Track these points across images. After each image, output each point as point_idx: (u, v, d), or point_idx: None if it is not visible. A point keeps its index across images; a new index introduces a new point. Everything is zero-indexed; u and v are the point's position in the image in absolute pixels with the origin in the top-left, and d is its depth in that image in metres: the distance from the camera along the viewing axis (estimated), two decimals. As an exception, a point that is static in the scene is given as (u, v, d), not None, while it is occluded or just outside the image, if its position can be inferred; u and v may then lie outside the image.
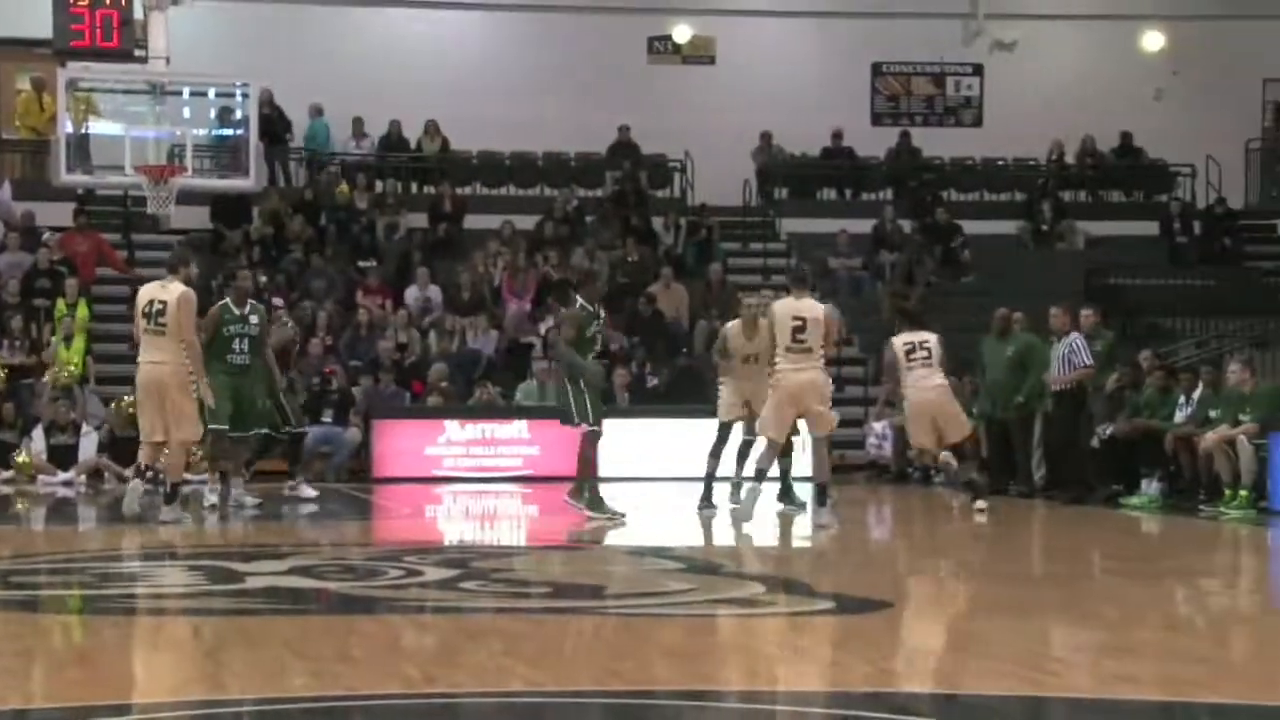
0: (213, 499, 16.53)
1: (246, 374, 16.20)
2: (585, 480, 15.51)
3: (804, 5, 29.67)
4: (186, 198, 22.97)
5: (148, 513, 14.69)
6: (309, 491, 17.85)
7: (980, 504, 15.55)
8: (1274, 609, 11.16)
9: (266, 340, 16.81)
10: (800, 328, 14.33)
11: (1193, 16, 29.51)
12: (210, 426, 15.65)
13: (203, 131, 22.26)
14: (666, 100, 28.94)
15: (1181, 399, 18.00)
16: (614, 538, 14.44)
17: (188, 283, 14.99)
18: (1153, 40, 30.02)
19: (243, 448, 16.77)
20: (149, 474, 15.32)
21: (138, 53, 21.62)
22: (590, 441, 15.43)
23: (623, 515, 15.33)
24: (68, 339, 22.58)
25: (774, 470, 15.27)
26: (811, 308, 14.61)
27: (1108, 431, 18.39)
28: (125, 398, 19.65)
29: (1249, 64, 29.32)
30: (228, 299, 16.54)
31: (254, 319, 16.33)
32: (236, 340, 16.03)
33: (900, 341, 15.71)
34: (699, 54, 30.11)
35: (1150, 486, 17.96)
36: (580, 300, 15.68)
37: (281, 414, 17.43)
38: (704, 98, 29.18)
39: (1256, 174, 30.03)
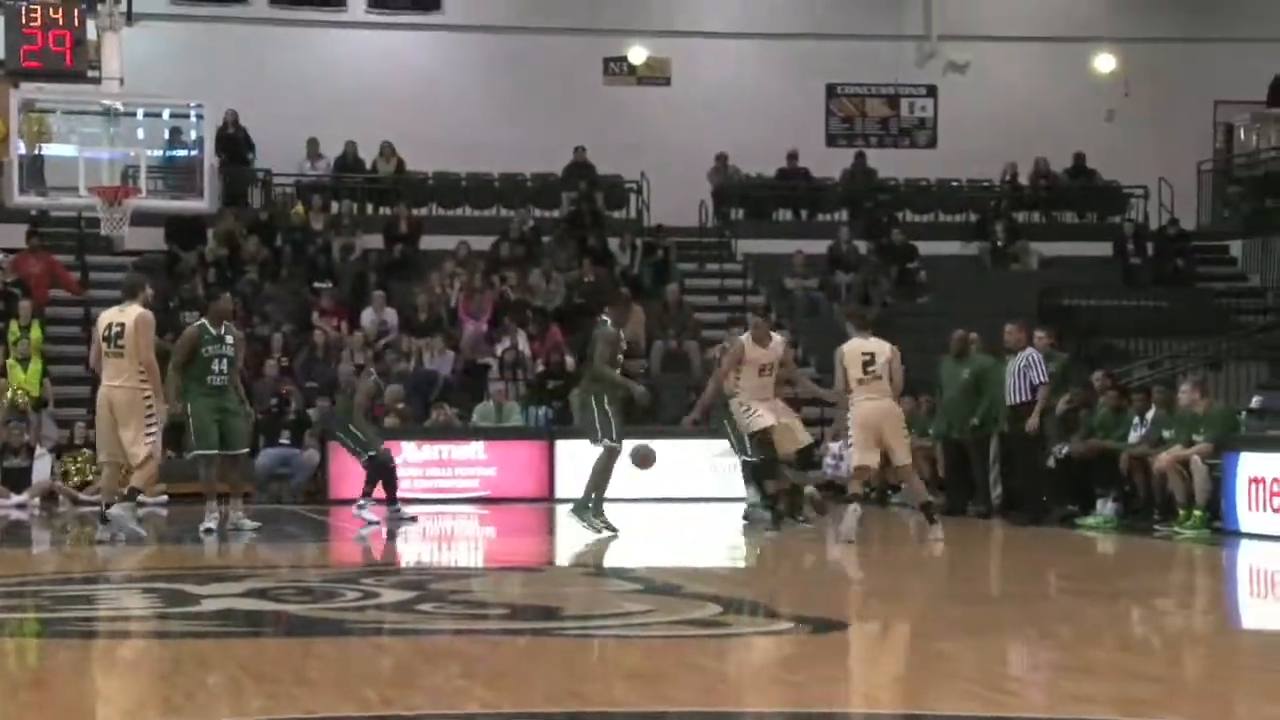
0: (210, 523, 16.26)
1: (225, 394, 16.14)
2: (593, 493, 16.06)
3: (758, 27, 29.80)
4: (141, 219, 22.83)
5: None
6: (248, 524, 16.80)
7: (937, 533, 15.48)
8: (1228, 629, 11.19)
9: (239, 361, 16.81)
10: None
11: (1144, 39, 29.78)
12: (198, 451, 15.99)
13: (157, 153, 22.15)
14: (622, 121, 28.99)
15: (1135, 419, 18.07)
16: (569, 558, 14.42)
17: (146, 305, 14.98)
18: (1105, 62, 30.22)
19: (232, 468, 16.62)
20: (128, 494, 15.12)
21: (91, 73, 21.47)
22: (610, 458, 16.03)
23: (615, 532, 15.78)
24: (24, 361, 22.46)
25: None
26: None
27: (1063, 451, 18.45)
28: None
29: (1200, 86, 29.52)
30: (204, 319, 16.48)
31: (229, 339, 16.28)
32: (215, 361, 15.97)
33: (853, 349, 15.60)
34: (654, 75, 30.17)
35: (1105, 507, 18.02)
36: (609, 319, 16.23)
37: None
38: (660, 119, 29.24)
39: (1209, 195, 30.21)
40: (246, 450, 17.05)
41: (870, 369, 15.14)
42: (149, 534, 15.44)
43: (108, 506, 15.05)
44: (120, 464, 14.97)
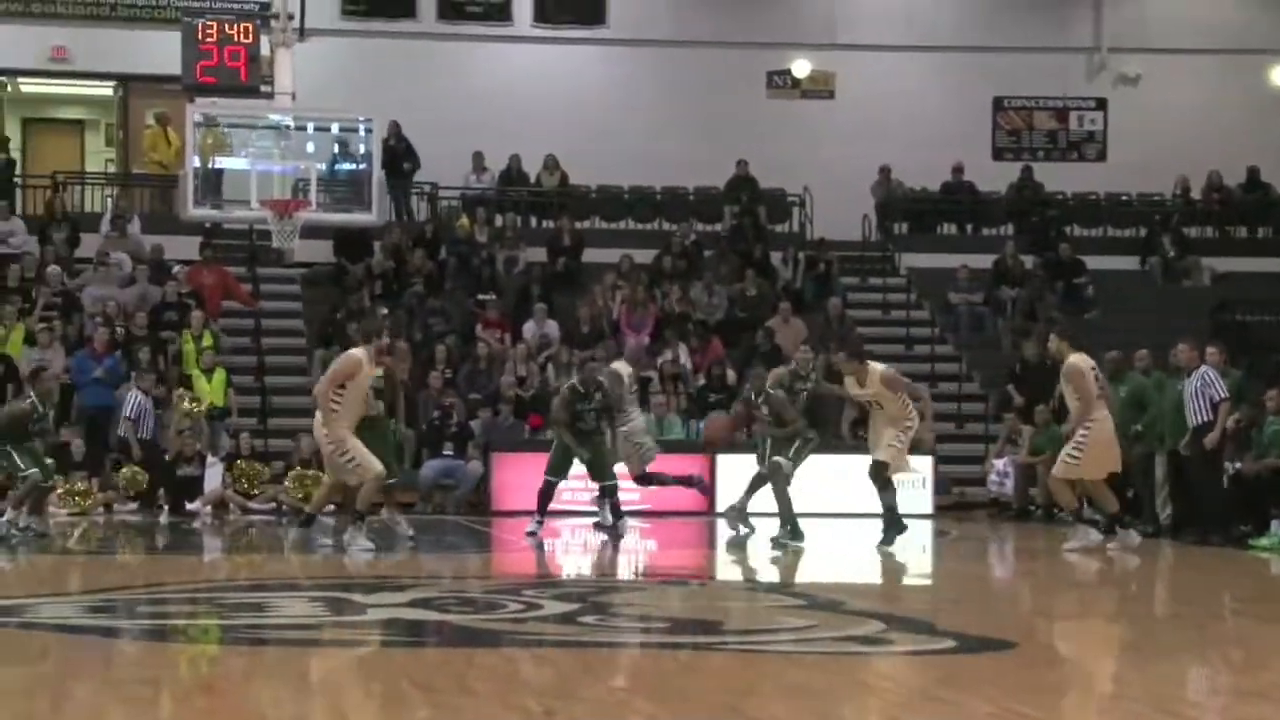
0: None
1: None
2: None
3: (924, 40, 29.64)
4: (310, 232, 23.22)
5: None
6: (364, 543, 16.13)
7: (1128, 539, 15.89)
8: None
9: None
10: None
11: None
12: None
13: (326, 166, 22.48)
14: (785, 134, 28.96)
15: (1312, 439, 17.70)
16: (732, 573, 14.37)
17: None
18: (1280, 74, 29.72)
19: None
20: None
21: (264, 89, 21.88)
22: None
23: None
24: (208, 372, 22.83)
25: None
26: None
27: (1235, 470, 18.11)
28: None
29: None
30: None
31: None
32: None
33: (1087, 364, 15.67)
34: (818, 89, 30.13)
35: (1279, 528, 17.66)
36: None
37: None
38: (823, 132, 29.21)
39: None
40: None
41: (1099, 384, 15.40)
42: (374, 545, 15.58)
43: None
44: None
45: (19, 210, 27.33)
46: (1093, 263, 28.02)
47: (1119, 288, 27.73)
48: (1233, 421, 18.37)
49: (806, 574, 14.66)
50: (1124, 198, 29.72)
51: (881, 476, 16.03)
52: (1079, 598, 13.62)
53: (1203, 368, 17.91)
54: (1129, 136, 29.89)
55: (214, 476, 21.69)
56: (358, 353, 15.29)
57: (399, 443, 17.86)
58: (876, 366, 16.62)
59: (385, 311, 23.07)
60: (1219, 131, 29.15)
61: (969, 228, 29.59)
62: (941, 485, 22.74)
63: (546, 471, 18.44)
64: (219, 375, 23.06)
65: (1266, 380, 20.62)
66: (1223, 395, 17.64)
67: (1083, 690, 8.33)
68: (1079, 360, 15.45)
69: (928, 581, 15.00)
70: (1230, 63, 29.81)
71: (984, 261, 27.86)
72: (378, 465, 15.11)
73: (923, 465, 20.30)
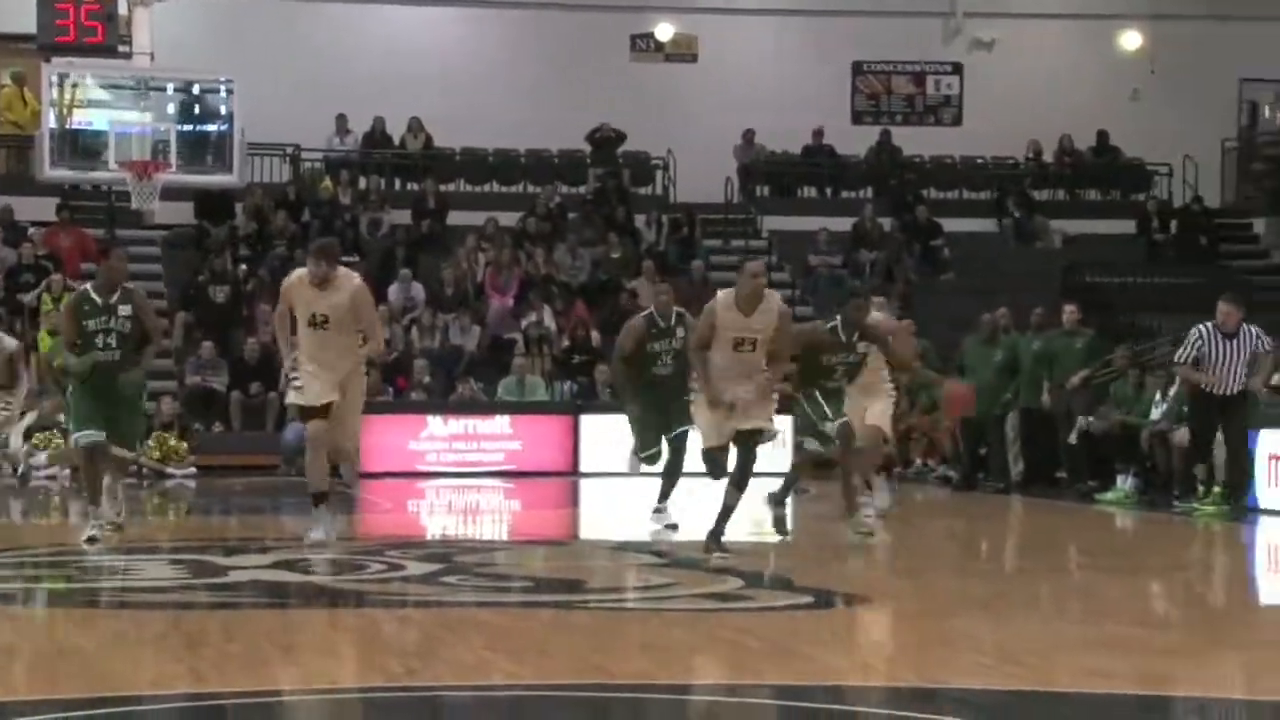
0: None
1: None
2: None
3: (786, 4, 29.77)
4: (170, 193, 22.95)
5: None
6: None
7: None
8: (1246, 604, 11.18)
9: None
10: None
11: (1171, 16, 29.64)
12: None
13: (187, 127, 22.21)
14: (649, 98, 28.95)
15: (1157, 396, 18.05)
16: (595, 533, 14.44)
17: None
18: (1130, 40, 30.11)
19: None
20: None
21: (122, 48, 21.58)
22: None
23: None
24: (54, 333, 22.50)
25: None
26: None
27: (1087, 426, 18.45)
28: None
29: (1226, 63, 29.40)
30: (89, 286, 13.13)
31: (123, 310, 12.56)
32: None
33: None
34: (681, 52, 30.12)
35: (1125, 482, 18.00)
36: None
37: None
38: (686, 96, 29.23)
39: (1233, 173, 30.14)
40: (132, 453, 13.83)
41: None
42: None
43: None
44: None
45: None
46: (949, 225, 28.31)
47: (974, 250, 28.03)
48: (1079, 379, 18.77)
49: (668, 533, 14.71)
50: (979, 161, 30.01)
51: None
52: (931, 553, 13.82)
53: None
54: (984, 101, 30.16)
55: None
56: None
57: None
58: None
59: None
60: (1070, 96, 29.51)
61: (829, 191, 29.76)
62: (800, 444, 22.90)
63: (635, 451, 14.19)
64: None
65: (1115, 339, 21.02)
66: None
67: (933, 643, 8.46)
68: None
69: (787, 540, 15.12)
70: (1082, 28, 30.17)
71: (844, 224, 28.06)
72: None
73: (783, 423, 20.46)
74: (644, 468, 14.17)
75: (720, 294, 11.76)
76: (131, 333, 12.42)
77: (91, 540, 12.22)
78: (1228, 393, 15.75)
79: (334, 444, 12.45)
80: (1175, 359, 16.69)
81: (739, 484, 11.42)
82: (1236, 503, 16.07)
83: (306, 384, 11.96)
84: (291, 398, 12.51)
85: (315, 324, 11.84)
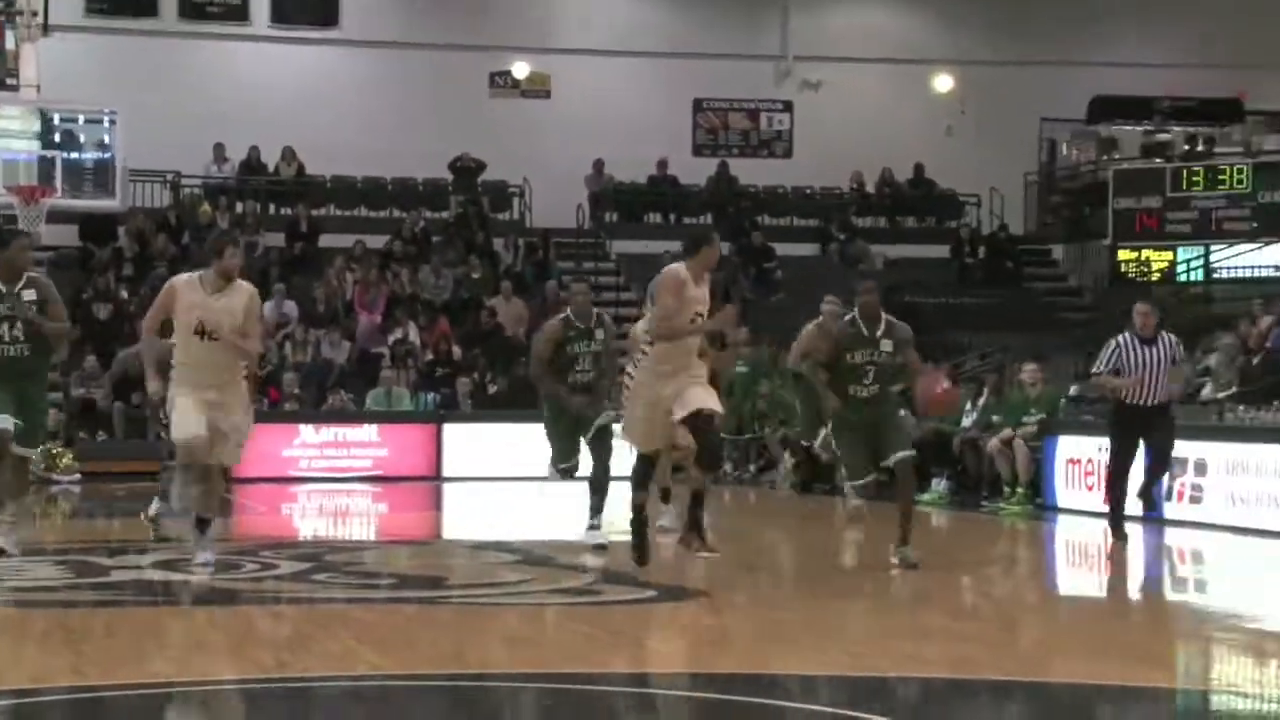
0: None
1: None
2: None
3: (631, 45, 29.83)
4: (56, 217, 22.56)
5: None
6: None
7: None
8: (1045, 595, 11.37)
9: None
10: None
11: (979, 62, 30.11)
12: None
13: (72, 155, 21.87)
14: (507, 131, 28.90)
15: (968, 406, 18.31)
16: (456, 533, 14.36)
17: None
18: (943, 83, 30.53)
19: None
20: None
21: (9, 81, 21.22)
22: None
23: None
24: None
25: None
26: None
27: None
28: None
29: (1028, 105, 29.89)
30: None
31: (27, 295, 10.98)
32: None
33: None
34: (536, 89, 30.11)
35: (939, 484, 18.25)
36: None
37: None
38: (541, 129, 29.20)
39: (1034, 203, 30.67)
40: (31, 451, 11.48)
41: None
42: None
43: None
44: None
45: None
46: (781, 249, 28.51)
47: (803, 272, 28.24)
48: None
49: (524, 533, 14.69)
50: (807, 191, 30.26)
51: None
52: (768, 551, 13.91)
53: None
54: (812, 136, 30.42)
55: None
56: None
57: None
58: None
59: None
60: (890, 133, 29.86)
61: (672, 217, 29.79)
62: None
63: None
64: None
65: (931, 355, 21.25)
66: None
67: (766, 633, 8.51)
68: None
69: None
70: (900, 72, 30.49)
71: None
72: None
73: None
74: (562, 480, 12.47)
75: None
76: (32, 322, 10.68)
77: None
78: (1150, 403, 13.28)
79: (213, 461, 10.41)
80: (1093, 370, 14.13)
81: (710, 465, 10.69)
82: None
83: (180, 418, 10.12)
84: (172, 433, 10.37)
85: (202, 334, 10.06)
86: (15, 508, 11.26)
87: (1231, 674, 8.03)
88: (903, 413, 12.22)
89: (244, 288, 10.28)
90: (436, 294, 26.25)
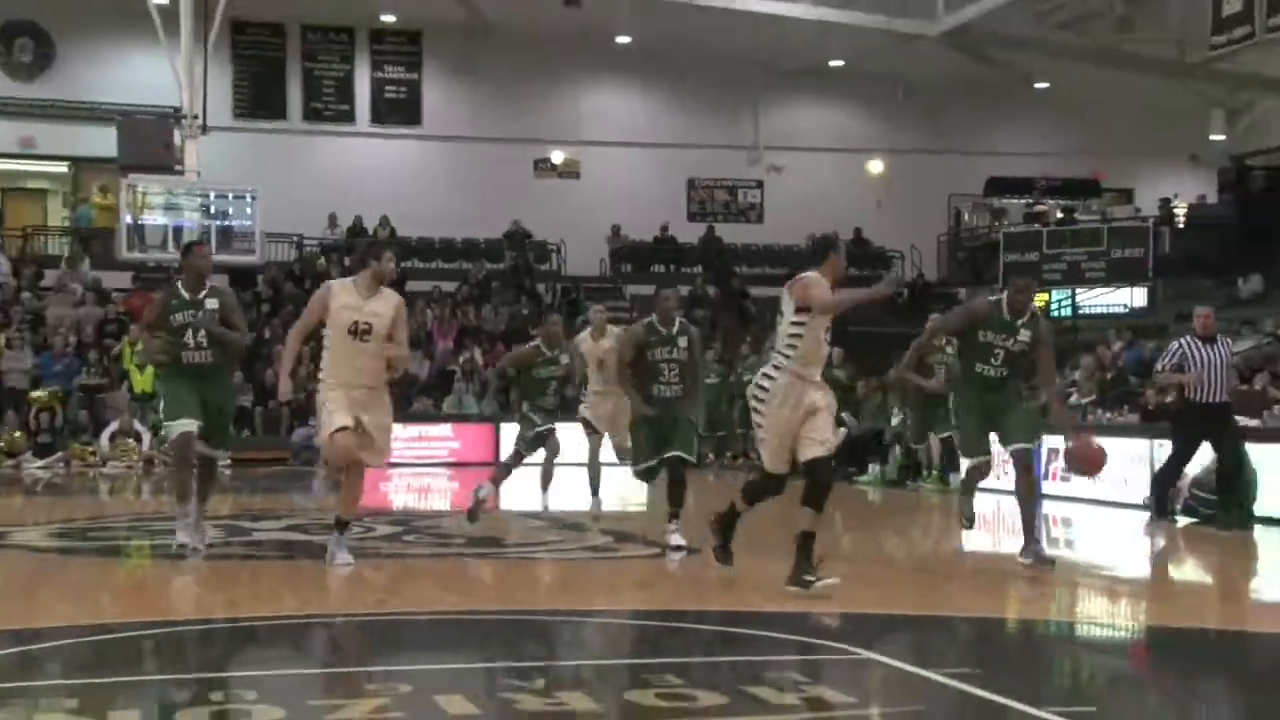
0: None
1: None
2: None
3: (640, 138, 29.97)
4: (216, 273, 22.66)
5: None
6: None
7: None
8: (941, 548, 11.39)
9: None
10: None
11: (903, 150, 30.23)
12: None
13: (223, 222, 22.05)
14: (547, 203, 29.05)
15: (894, 409, 18.36)
16: (510, 505, 14.35)
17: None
18: (875, 166, 30.66)
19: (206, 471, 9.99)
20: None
21: (177, 168, 21.40)
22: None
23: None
24: (141, 368, 22.23)
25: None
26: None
27: (848, 429, 18.68)
28: None
29: (939, 183, 30.04)
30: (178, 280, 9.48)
31: (210, 304, 9.27)
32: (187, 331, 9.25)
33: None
34: (569, 171, 30.23)
35: (874, 469, 18.32)
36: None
37: None
38: (573, 201, 29.33)
39: (945, 257, 30.74)
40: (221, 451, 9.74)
41: None
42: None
43: None
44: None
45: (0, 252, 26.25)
46: (755, 291, 28.56)
47: (773, 309, 28.12)
48: (861, 390, 19.13)
49: (558, 505, 14.68)
50: (775, 247, 30.31)
51: None
52: (753, 522, 13.90)
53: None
54: (777, 206, 30.45)
55: (146, 441, 21.09)
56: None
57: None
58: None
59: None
60: (836, 203, 29.72)
61: (672, 267, 29.92)
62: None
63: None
64: (149, 370, 22.43)
65: (872, 374, 21.27)
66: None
67: (736, 581, 8.60)
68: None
69: (647, 512, 15.18)
70: (843, 158, 30.56)
71: (683, 290, 28.24)
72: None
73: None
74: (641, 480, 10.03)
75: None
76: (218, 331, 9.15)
77: (183, 547, 9.09)
78: (1215, 400, 11.40)
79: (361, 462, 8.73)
80: (1156, 368, 12.30)
81: (816, 506, 7.66)
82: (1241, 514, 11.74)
83: (330, 417, 8.42)
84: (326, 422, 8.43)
85: (356, 333, 8.40)
86: (204, 507, 9.38)
87: (1083, 608, 8.13)
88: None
89: (392, 295, 8.57)
90: (494, 326, 26.38)
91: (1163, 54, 24.25)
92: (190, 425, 9.00)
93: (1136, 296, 26.17)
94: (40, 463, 20.44)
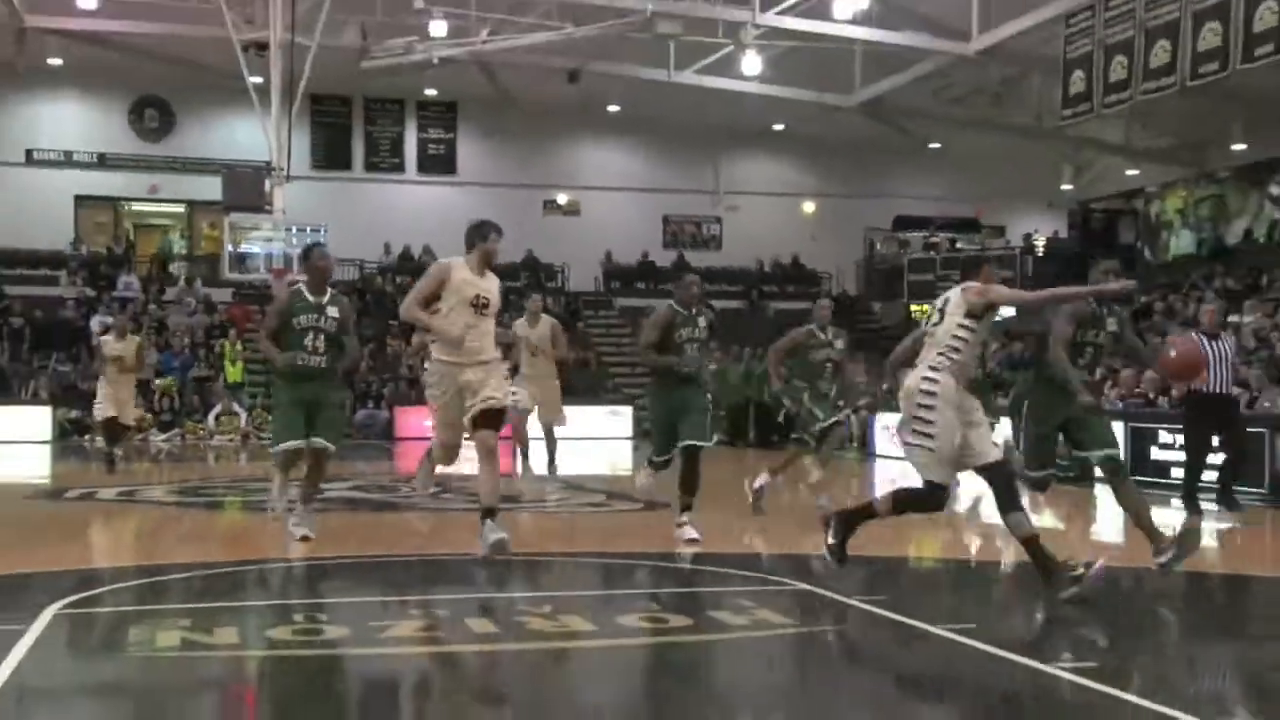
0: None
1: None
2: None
3: (627, 184, 29.96)
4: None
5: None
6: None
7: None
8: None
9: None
10: None
11: (830, 194, 30.29)
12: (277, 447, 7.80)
13: (301, 250, 22.00)
14: (554, 235, 29.05)
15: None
16: (521, 469, 14.24)
17: None
18: (809, 206, 30.69)
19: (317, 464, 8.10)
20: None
21: (267, 208, 21.38)
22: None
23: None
24: (234, 364, 22.31)
25: None
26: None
27: (785, 409, 18.58)
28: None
29: (858, 219, 30.12)
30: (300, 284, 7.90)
31: (333, 310, 7.69)
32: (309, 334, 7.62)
33: None
34: (571, 210, 30.22)
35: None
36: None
37: None
38: (574, 234, 29.31)
39: (863, 278, 30.80)
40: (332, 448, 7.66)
41: None
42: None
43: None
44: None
45: (133, 273, 26.34)
46: (719, 304, 28.53)
47: (732, 320, 28.08)
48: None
49: (563, 471, 14.50)
50: (731, 268, 30.29)
51: None
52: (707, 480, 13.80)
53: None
54: (734, 237, 30.38)
55: (242, 420, 21.10)
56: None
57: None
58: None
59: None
60: (778, 236, 29.94)
61: (652, 284, 29.63)
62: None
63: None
64: (240, 365, 22.53)
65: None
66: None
67: (716, 530, 8.60)
68: None
69: (635, 474, 15.13)
70: (783, 200, 30.38)
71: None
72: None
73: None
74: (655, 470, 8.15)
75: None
76: (335, 336, 7.50)
77: (306, 539, 7.39)
78: (1220, 391, 9.50)
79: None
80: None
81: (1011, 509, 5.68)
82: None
83: (438, 414, 6.78)
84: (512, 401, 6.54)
85: (477, 305, 6.72)
86: (313, 493, 7.77)
87: (982, 549, 8.14)
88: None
89: (494, 277, 6.96)
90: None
91: (1026, 122, 24.43)
92: (293, 445, 7.42)
93: (1006, 310, 26.19)
94: (162, 436, 20.48)
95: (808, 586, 6.02)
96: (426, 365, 6.75)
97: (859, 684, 4.52)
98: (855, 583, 6.14)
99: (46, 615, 5.10)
